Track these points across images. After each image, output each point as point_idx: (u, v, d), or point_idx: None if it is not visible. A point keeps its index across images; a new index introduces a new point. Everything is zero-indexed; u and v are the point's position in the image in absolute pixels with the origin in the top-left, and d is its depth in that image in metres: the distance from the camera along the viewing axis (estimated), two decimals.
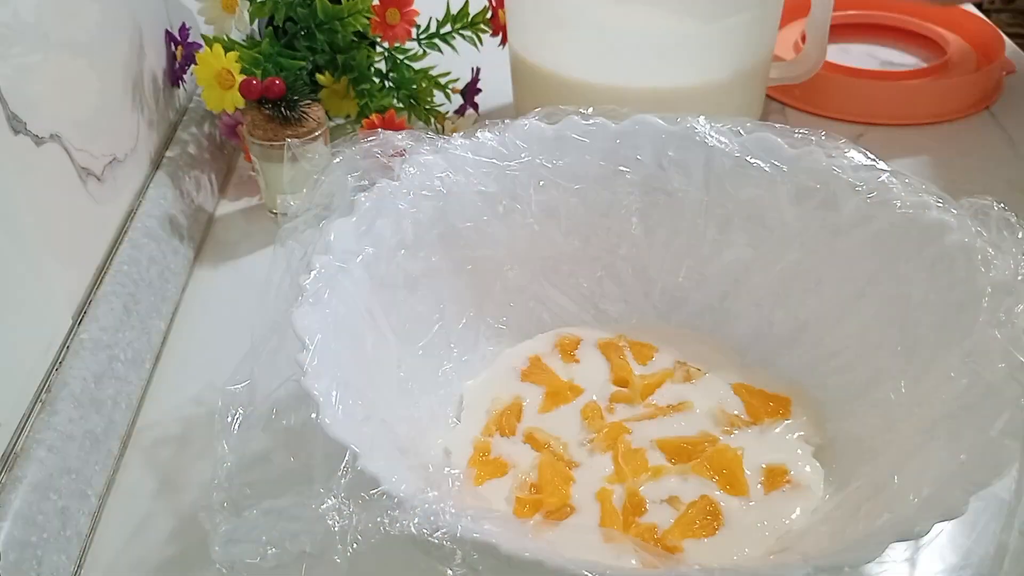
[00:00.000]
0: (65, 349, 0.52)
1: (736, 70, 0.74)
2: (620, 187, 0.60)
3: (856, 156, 0.55)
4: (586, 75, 0.73)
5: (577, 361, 0.58)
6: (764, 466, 0.50)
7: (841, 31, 0.94)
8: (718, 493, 0.48)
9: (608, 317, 0.61)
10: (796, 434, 0.52)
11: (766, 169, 0.57)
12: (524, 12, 0.76)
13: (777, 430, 0.52)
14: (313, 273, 0.47)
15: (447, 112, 0.81)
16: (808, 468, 0.50)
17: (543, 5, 0.74)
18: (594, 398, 0.55)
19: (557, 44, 0.75)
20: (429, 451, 0.51)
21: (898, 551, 0.36)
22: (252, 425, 0.42)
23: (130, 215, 0.64)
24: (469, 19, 0.79)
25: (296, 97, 0.68)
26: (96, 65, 0.62)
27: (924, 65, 0.91)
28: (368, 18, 0.74)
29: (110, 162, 0.62)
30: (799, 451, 0.51)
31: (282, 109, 0.68)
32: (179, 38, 0.76)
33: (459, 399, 0.55)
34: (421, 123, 0.81)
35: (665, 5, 0.73)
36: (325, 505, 0.36)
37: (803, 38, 0.88)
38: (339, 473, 0.37)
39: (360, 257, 0.50)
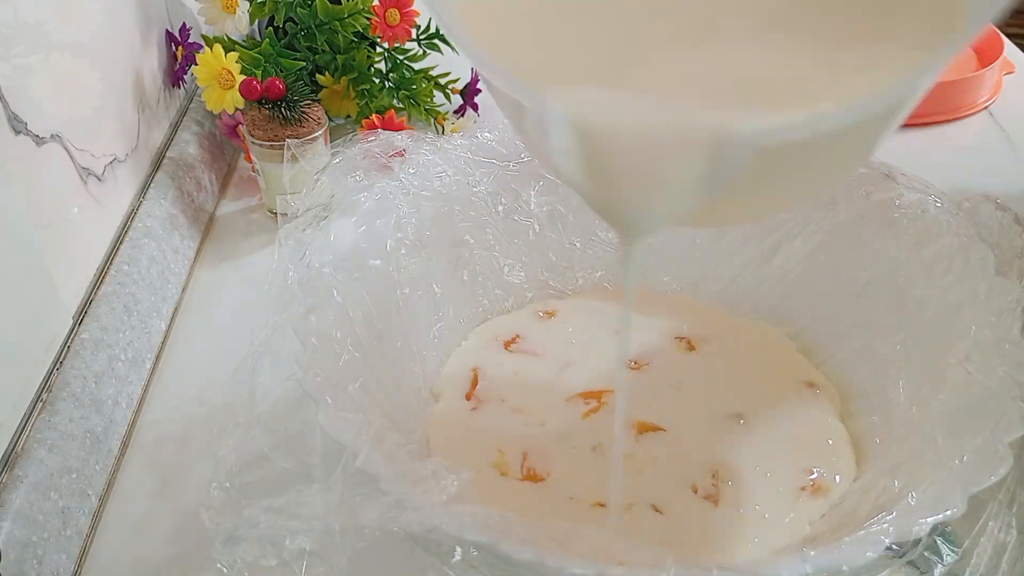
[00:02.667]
0: (66, 349, 0.52)
1: None
2: None
3: None
4: None
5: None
6: (811, 469, 0.49)
7: None
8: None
9: None
10: (825, 413, 0.52)
11: None
12: None
13: (805, 401, 0.52)
14: (313, 273, 0.47)
15: (447, 112, 0.82)
16: (840, 463, 0.49)
17: None
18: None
19: None
20: (427, 445, 0.51)
21: (897, 550, 0.36)
22: (252, 424, 0.42)
23: (131, 215, 0.65)
24: None
25: (296, 97, 0.68)
26: (97, 65, 0.62)
27: None
28: (368, 18, 0.74)
29: (111, 162, 0.62)
30: (830, 440, 0.50)
31: (282, 109, 0.68)
32: (179, 38, 0.76)
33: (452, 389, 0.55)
34: (421, 123, 0.81)
35: None
36: (325, 503, 0.36)
37: None
38: (338, 472, 0.37)
39: (360, 257, 0.50)
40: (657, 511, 0.47)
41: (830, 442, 0.50)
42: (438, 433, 0.51)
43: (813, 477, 0.48)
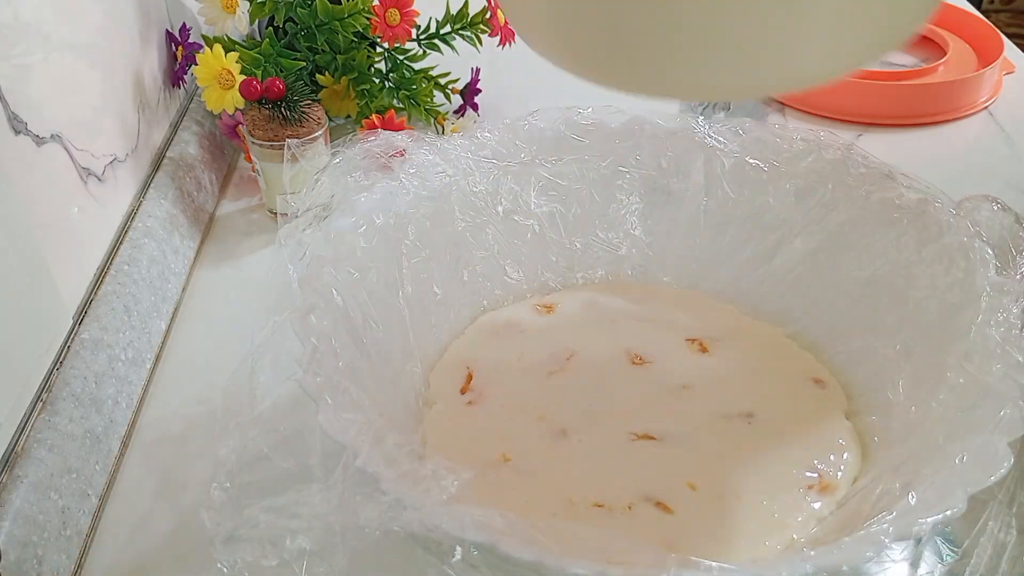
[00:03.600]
0: (66, 349, 0.52)
1: None
2: (620, 187, 0.60)
3: (855, 156, 0.55)
4: None
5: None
6: (818, 467, 0.49)
7: None
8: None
9: None
10: (832, 411, 0.51)
11: (765, 169, 0.57)
12: None
13: (814, 398, 0.52)
14: (313, 273, 0.47)
15: (447, 112, 0.82)
16: (846, 461, 0.49)
17: None
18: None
19: None
20: (427, 444, 0.51)
21: (897, 550, 0.36)
22: (252, 424, 0.42)
23: (131, 215, 0.65)
24: (469, 19, 0.79)
25: (296, 97, 0.68)
26: (97, 65, 0.62)
27: (924, 65, 0.91)
28: (368, 18, 0.74)
29: (111, 162, 0.62)
30: (837, 438, 0.50)
31: (282, 109, 0.68)
32: (179, 38, 0.76)
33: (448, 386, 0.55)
34: (421, 123, 0.81)
35: None
36: (325, 503, 0.36)
37: None
38: (338, 472, 0.37)
39: (360, 257, 0.50)
40: (663, 510, 0.47)
41: (837, 440, 0.50)
42: (435, 432, 0.51)
43: (820, 476, 0.48)
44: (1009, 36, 0.93)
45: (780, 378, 0.54)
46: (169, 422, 0.56)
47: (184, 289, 0.66)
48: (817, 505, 0.46)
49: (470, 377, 0.54)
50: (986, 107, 0.86)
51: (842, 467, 0.48)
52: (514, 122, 0.58)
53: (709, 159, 0.58)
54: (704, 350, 0.56)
